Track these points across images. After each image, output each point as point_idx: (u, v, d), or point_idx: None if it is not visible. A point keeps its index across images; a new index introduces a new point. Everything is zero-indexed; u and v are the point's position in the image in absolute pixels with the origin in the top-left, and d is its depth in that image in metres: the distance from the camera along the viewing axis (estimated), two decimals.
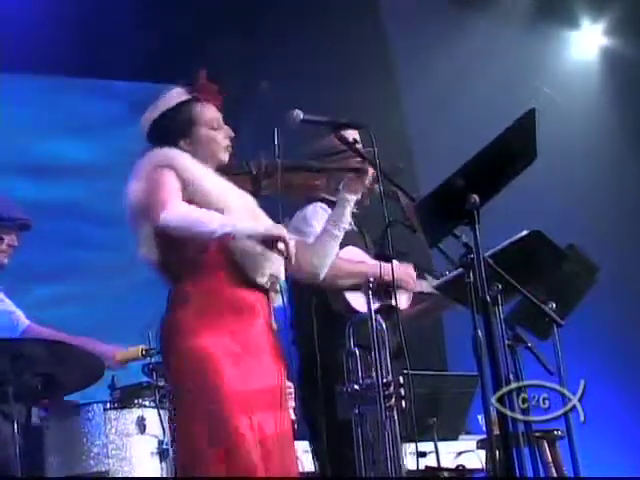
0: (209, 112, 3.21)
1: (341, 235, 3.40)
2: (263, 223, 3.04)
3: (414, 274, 3.93)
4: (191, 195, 3.02)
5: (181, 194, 3.01)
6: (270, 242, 2.90)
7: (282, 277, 3.14)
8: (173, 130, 3.17)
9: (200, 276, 3.05)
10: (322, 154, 3.72)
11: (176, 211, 2.93)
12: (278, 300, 3.15)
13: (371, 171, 3.46)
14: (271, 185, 3.15)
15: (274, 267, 3.07)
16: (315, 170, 3.44)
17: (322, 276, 3.41)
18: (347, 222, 3.40)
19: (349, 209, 3.43)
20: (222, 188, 3.09)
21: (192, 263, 3.05)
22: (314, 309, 3.67)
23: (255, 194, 3.19)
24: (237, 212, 3.05)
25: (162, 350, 3.14)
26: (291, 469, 3.08)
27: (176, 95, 3.21)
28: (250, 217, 3.09)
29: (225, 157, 3.20)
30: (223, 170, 3.19)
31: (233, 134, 3.22)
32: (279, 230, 2.91)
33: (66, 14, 6.18)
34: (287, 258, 2.90)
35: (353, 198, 3.41)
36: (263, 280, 3.07)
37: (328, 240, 3.38)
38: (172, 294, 3.09)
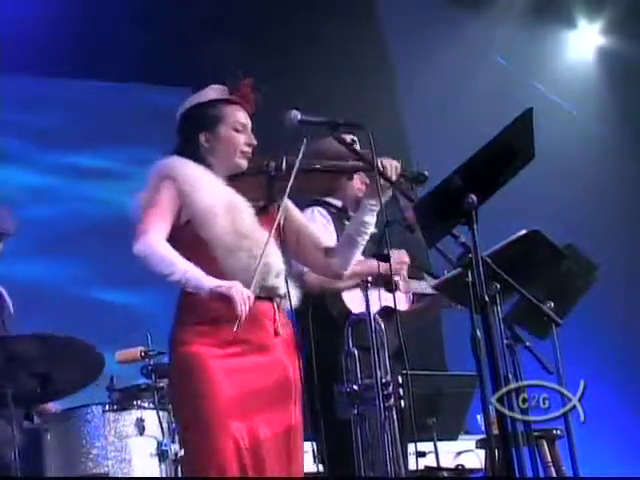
0: (238, 115, 3.21)
1: (364, 242, 3.31)
2: (214, 281, 2.93)
3: (407, 259, 3.92)
4: (184, 206, 3.06)
5: (174, 207, 3.05)
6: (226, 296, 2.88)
7: (280, 286, 3.12)
8: (198, 123, 3.19)
9: None
10: (329, 157, 3.66)
11: (145, 244, 2.97)
12: (285, 303, 3.15)
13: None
14: (285, 187, 3.09)
15: (264, 281, 3.04)
16: (334, 171, 3.36)
17: (347, 273, 3.37)
18: (371, 229, 3.31)
19: (374, 217, 3.29)
20: (213, 204, 3.06)
21: None
22: (313, 311, 3.66)
23: (270, 196, 3.17)
24: (223, 230, 3.04)
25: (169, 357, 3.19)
26: (297, 462, 3.08)
27: (212, 92, 3.23)
28: (236, 235, 3.06)
29: (242, 162, 3.19)
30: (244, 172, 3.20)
31: (255, 142, 3.22)
32: (229, 289, 2.87)
33: (65, 15, 6.18)
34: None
35: (376, 205, 3.24)
36: (257, 292, 3.01)
37: (351, 248, 3.29)
38: (178, 303, 3.11)
